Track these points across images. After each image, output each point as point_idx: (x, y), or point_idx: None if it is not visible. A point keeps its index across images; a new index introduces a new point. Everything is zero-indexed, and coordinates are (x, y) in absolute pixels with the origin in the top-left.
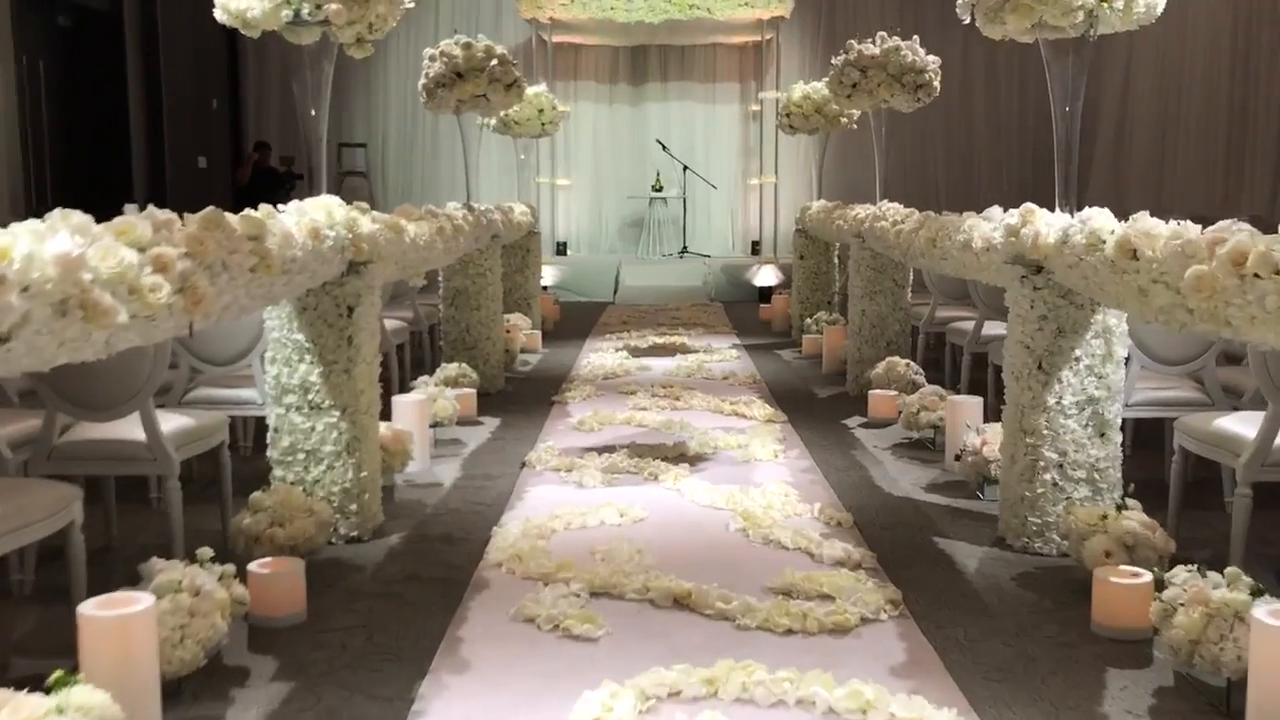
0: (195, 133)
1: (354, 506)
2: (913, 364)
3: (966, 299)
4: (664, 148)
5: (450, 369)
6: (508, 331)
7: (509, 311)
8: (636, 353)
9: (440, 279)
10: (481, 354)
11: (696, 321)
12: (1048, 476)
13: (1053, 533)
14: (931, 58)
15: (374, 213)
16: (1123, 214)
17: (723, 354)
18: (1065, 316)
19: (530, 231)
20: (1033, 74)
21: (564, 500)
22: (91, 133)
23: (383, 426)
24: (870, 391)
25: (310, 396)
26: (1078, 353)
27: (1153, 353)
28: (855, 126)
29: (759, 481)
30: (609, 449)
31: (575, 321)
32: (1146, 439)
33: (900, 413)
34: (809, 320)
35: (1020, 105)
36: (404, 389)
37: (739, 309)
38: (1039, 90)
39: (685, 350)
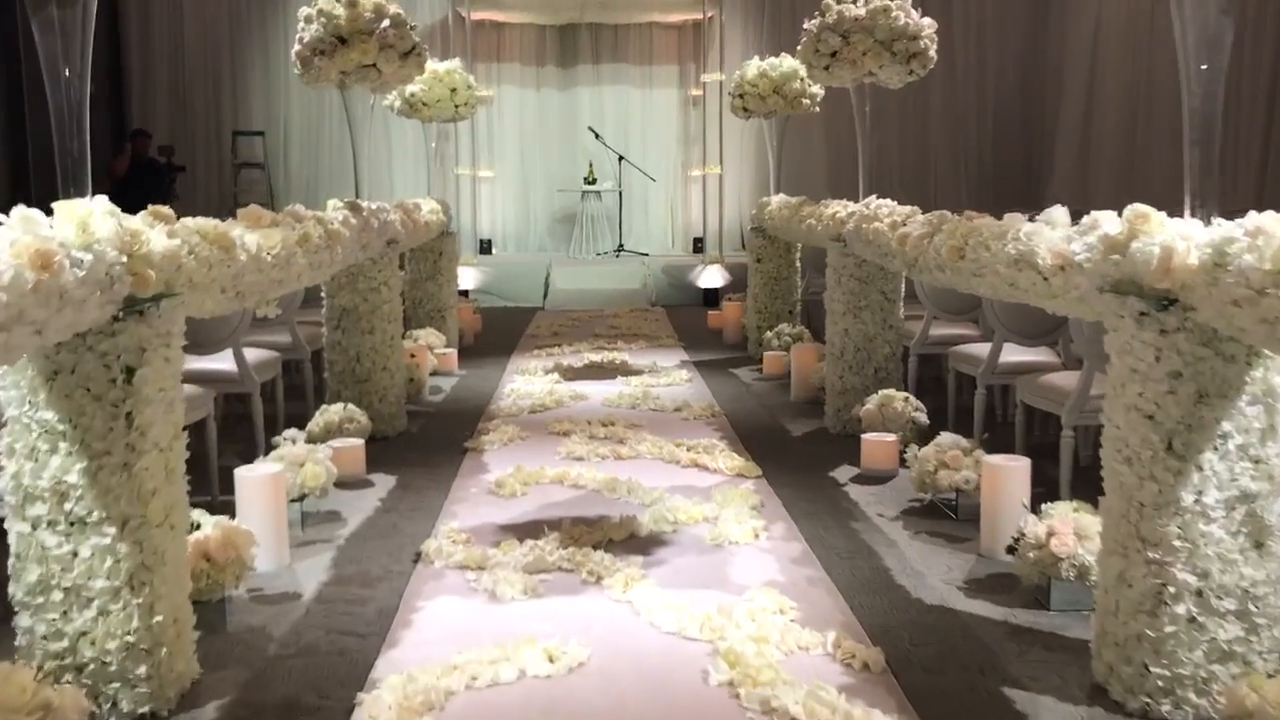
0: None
1: (142, 670)
2: (912, 399)
3: (969, 314)
4: (597, 136)
5: (331, 413)
6: (412, 356)
7: (418, 326)
8: (569, 374)
9: (323, 295)
10: (376, 389)
11: (637, 331)
12: (1181, 609)
13: (1188, 691)
14: (926, 20)
15: (185, 221)
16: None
17: (671, 375)
18: (1209, 374)
19: (443, 232)
20: (995, 40)
21: (468, 628)
22: None
23: (210, 524)
24: (863, 435)
25: (69, 506)
26: (1226, 426)
27: None
28: (818, 109)
29: (740, 583)
30: (534, 526)
31: (499, 333)
32: None
33: (905, 464)
34: (769, 334)
35: (977, 79)
36: (268, 446)
37: (683, 315)
38: (1005, 58)
39: (627, 370)
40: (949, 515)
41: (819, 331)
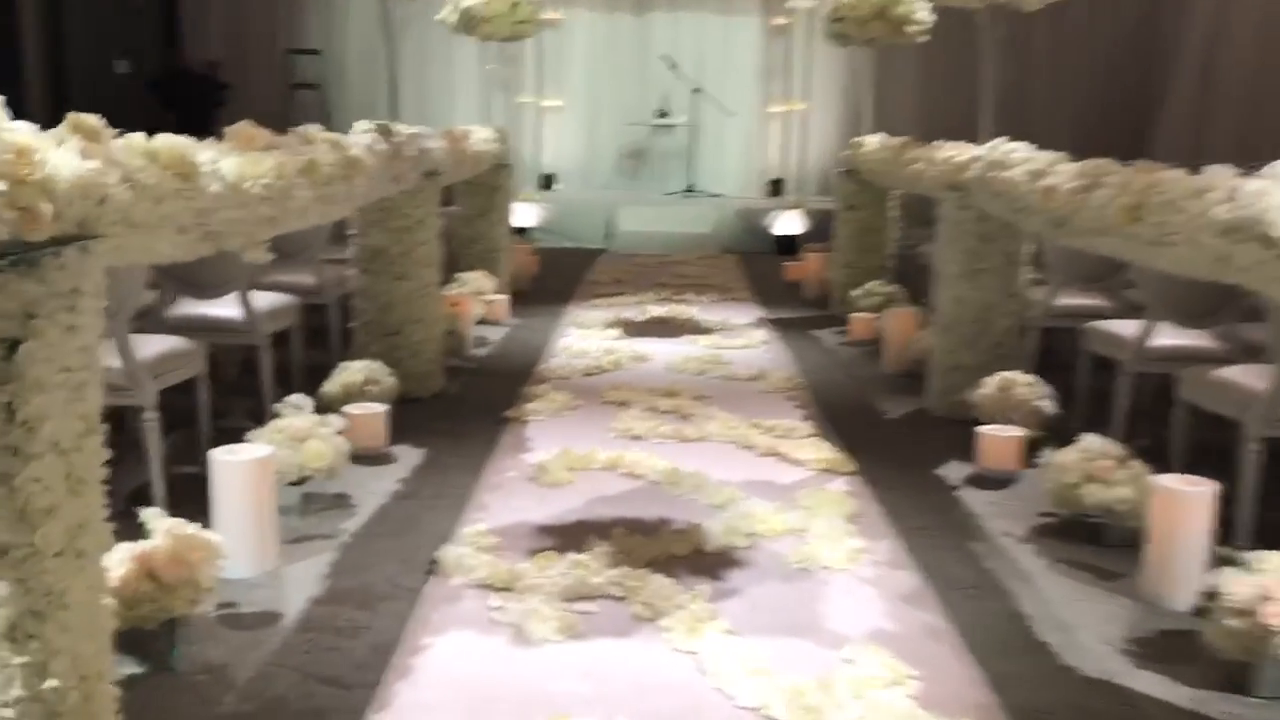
0: (112, 29)
1: None
2: (1039, 384)
3: (1105, 282)
4: (671, 66)
5: (352, 372)
6: (453, 305)
7: (468, 268)
8: (631, 330)
9: (350, 230)
10: (407, 343)
11: (707, 281)
12: None
13: None
14: None
15: (132, 137)
16: None
17: (745, 336)
18: None
19: (498, 164)
20: None
21: (484, 685)
22: None
23: (161, 530)
24: (980, 428)
25: None
26: None
27: None
28: (928, 37)
29: (838, 631)
30: (579, 530)
31: (557, 277)
32: None
33: (1035, 466)
34: (856, 292)
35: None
36: (268, 412)
37: (758, 264)
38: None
39: (695, 328)
40: (1093, 540)
41: (915, 292)
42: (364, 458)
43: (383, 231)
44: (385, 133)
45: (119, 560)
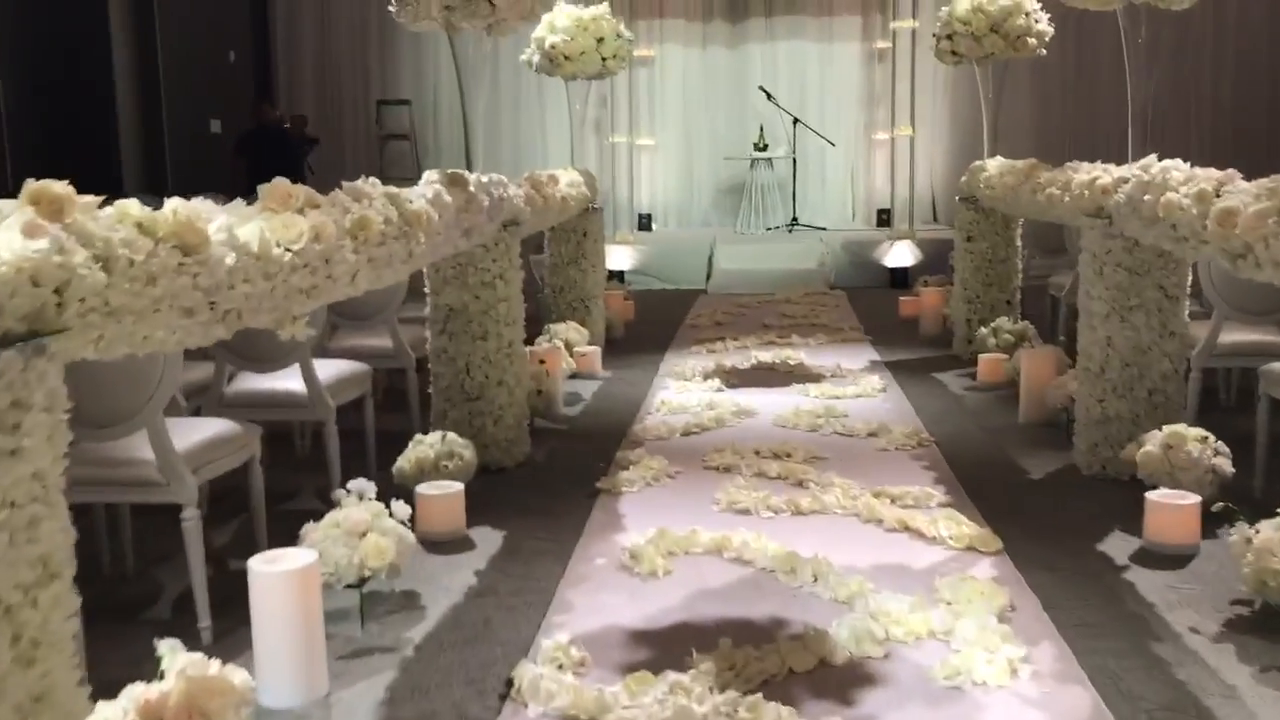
0: (206, 91)
1: None
2: (1213, 440)
3: (1275, 314)
4: (769, 96)
5: (426, 445)
6: (541, 362)
7: (559, 319)
8: (733, 379)
9: (425, 288)
10: (489, 408)
11: (814, 321)
12: None
13: None
14: None
15: (123, 204)
16: None
17: (860, 383)
18: None
19: (588, 208)
20: None
21: None
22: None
23: (178, 665)
24: (1149, 495)
25: None
26: None
27: None
28: (1045, 51)
29: None
30: (679, 634)
31: (654, 322)
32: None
33: (1216, 538)
34: (983, 330)
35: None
36: (327, 499)
37: (868, 299)
38: None
39: (804, 375)
40: None
41: (1045, 329)
42: (438, 544)
43: (459, 288)
44: (455, 182)
45: (122, 709)
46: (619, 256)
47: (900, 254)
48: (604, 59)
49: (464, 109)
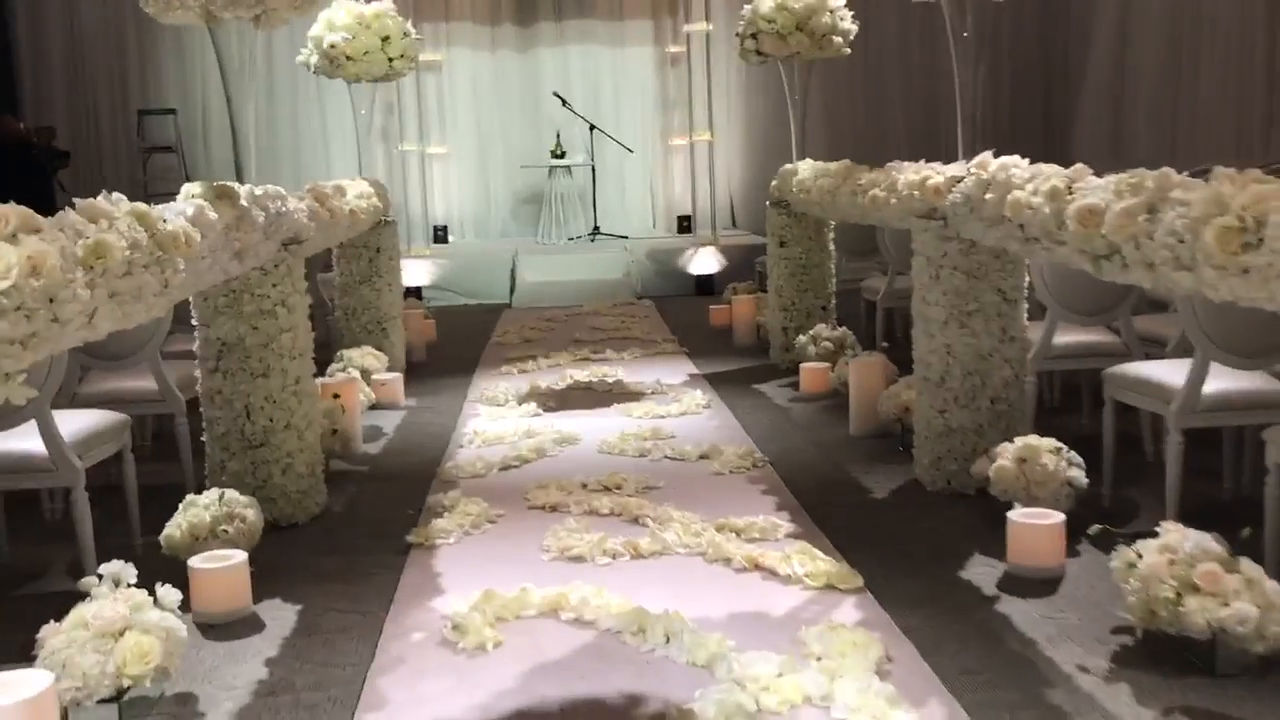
0: None
1: None
2: (1066, 451)
3: (1105, 315)
4: (564, 103)
5: (199, 508)
6: (335, 397)
7: (352, 344)
8: (550, 402)
9: (193, 319)
10: (275, 456)
11: (627, 333)
12: None
13: None
14: None
15: None
16: None
17: (682, 400)
18: None
19: (380, 221)
20: None
21: None
22: None
23: None
24: (1011, 515)
25: None
26: None
27: None
28: (849, 50)
29: None
30: None
31: (458, 342)
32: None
33: (1116, 578)
34: (802, 338)
35: (992, 18)
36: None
37: (677, 308)
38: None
39: (624, 393)
40: (1198, 667)
41: (860, 333)
42: (218, 627)
43: (233, 319)
44: (224, 195)
45: None
46: (416, 271)
47: (705, 261)
48: (390, 59)
49: (231, 114)
